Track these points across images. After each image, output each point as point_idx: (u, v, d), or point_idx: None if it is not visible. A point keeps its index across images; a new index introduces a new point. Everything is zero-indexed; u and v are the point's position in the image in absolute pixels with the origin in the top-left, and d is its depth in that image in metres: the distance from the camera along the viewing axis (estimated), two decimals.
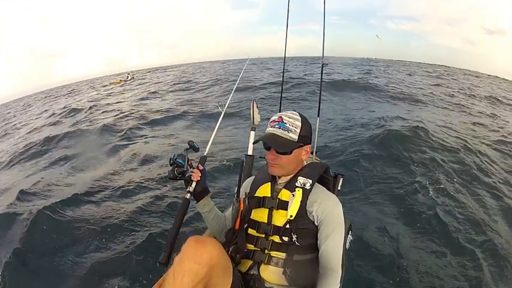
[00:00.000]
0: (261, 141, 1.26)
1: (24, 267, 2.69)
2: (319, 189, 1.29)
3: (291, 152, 1.24)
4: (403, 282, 2.31)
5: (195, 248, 0.99)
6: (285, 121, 1.24)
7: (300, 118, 1.26)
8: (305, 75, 15.33)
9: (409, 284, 2.30)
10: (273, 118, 1.28)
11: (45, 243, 2.99)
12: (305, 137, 1.26)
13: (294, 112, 1.29)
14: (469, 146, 5.37)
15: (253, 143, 1.44)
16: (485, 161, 4.80)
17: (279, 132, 1.23)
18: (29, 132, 9.75)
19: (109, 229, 3.14)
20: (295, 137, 1.23)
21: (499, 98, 12.69)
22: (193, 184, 1.33)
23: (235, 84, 2.29)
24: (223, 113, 1.73)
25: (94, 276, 2.54)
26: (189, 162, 1.37)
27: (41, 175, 5.09)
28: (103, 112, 10.63)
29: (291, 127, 1.23)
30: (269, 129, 1.26)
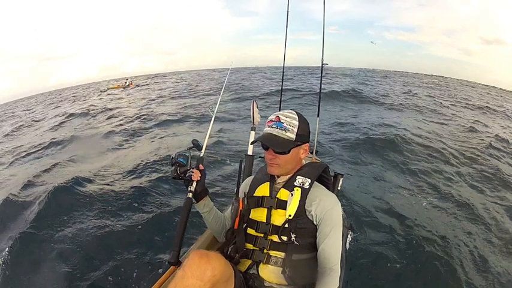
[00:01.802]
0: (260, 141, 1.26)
1: (34, 242, 2.86)
2: (318, 188, 1.28)
3: (289, 151, 1.23)
4: (404, 281, 2.29)
5: (198, 264, 0.97)
6: (282, 120, 1.23)
7: (297, 117, 1.25)
8: (303, 86, 15.54)
9: (410, 283, 2.29)
10: (270, 118, 1.27)
11: (52, 223, 3.15)
12: (303, 136, 1.25)
13: (292, 111, 1.28)
14: (459, 151, 5.73)
15: (251, 143, 1.45)
16: (468, 164, 5.11)
17: (276, 131, 1.23)
18: (36, 135, 9.90)
19: (115, 215, 3.26)
20: (292, 136, 1.22)
21: (490, 107, 13.23)
22: (194, 184, 1.34)
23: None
24: (214, 116, 1.77)
25: (96, 258, 2.62)
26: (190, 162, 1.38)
27: (55, 166, 5.31)
28: (109, 117, 10.79)
29: (288, 126, 1.22)
30: (266, 129, 1.26)
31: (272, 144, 1.22)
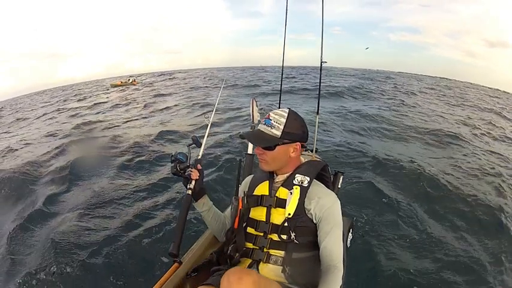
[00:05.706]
0: None
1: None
2: (317, 186, 1.28)
3: (274, 147, 1.24)
4: (405, 281, 2.28)
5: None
6: (270, 118, 1.25)
7: (286, 115, 1.25)
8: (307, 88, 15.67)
9: (410, 283, 2.27)
10: (265, 116, 1.31)
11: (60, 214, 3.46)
12: (290, 134, 1.24)
13: (284, 109, 1.29)
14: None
15: (240, 136, 1.48)
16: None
17: (263, 128, 1.26)
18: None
19: (118, 207, 3.49)
20: (277, 133, 1.23)
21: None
22: (193, 182, 1.38)
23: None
24: (210, 124, 1.78)
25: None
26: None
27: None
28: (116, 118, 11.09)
29: (274, 123, 1.24)
30: (258, 126, 1.31)
31: (256, 140, 1.27)
